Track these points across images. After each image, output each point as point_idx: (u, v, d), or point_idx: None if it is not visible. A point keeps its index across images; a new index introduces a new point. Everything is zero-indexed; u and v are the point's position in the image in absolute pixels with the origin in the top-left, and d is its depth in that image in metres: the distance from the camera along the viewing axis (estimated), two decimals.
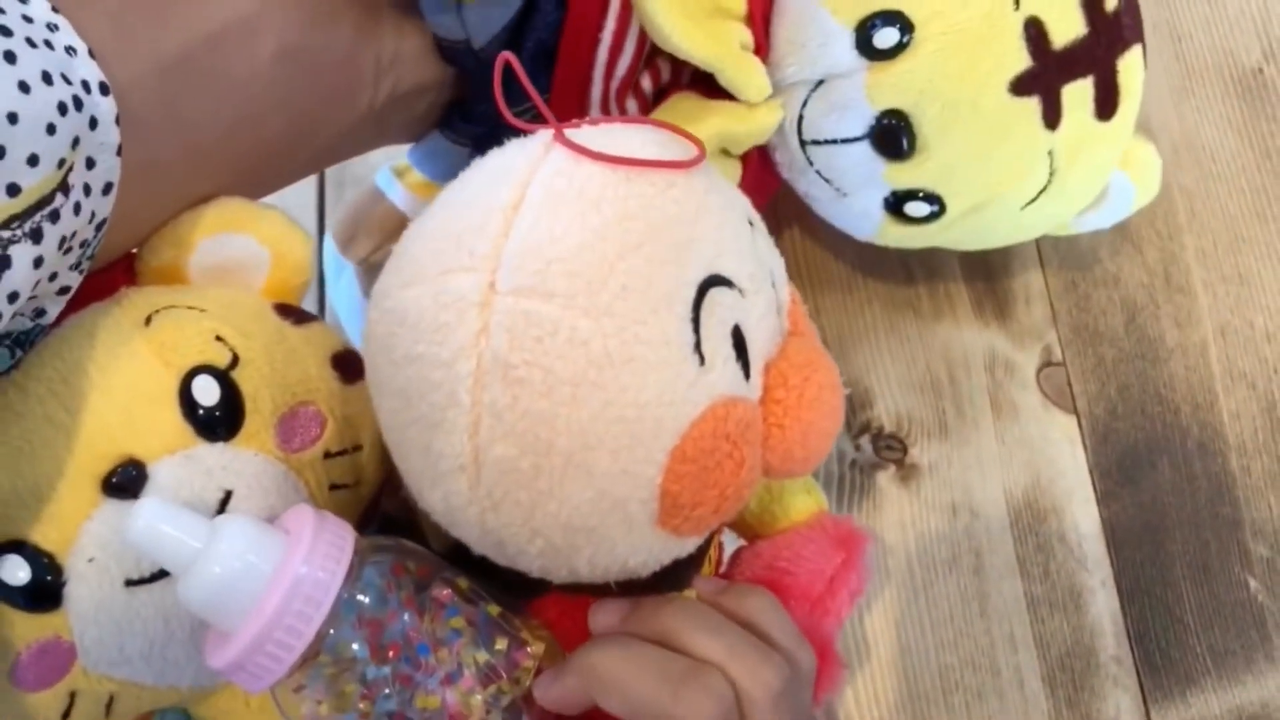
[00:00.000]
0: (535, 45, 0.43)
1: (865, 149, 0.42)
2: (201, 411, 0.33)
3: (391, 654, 0.31)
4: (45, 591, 0.31)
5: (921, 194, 0.42)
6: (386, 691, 0.31)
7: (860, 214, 0.45)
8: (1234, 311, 0.62)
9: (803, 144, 0.44)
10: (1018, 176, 0.42)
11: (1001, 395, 0.61)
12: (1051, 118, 0.43)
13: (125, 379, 0.33)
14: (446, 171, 0.53)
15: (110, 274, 0.37)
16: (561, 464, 0.28)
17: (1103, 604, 0.57)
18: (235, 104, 0.36)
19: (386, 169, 0.55)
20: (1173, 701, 0.55)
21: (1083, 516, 0.58)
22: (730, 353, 0.30)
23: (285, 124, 0.38)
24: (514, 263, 0.28)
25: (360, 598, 0.31)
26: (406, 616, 0.31)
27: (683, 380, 0.29)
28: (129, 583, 0.31)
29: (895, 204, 0.43)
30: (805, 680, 0.34)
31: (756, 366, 0.31)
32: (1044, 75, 0.42)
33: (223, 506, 0.32)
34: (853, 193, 0.45)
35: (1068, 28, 0.42)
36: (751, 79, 0.41)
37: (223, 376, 0.33)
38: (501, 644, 0.32)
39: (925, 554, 0.58)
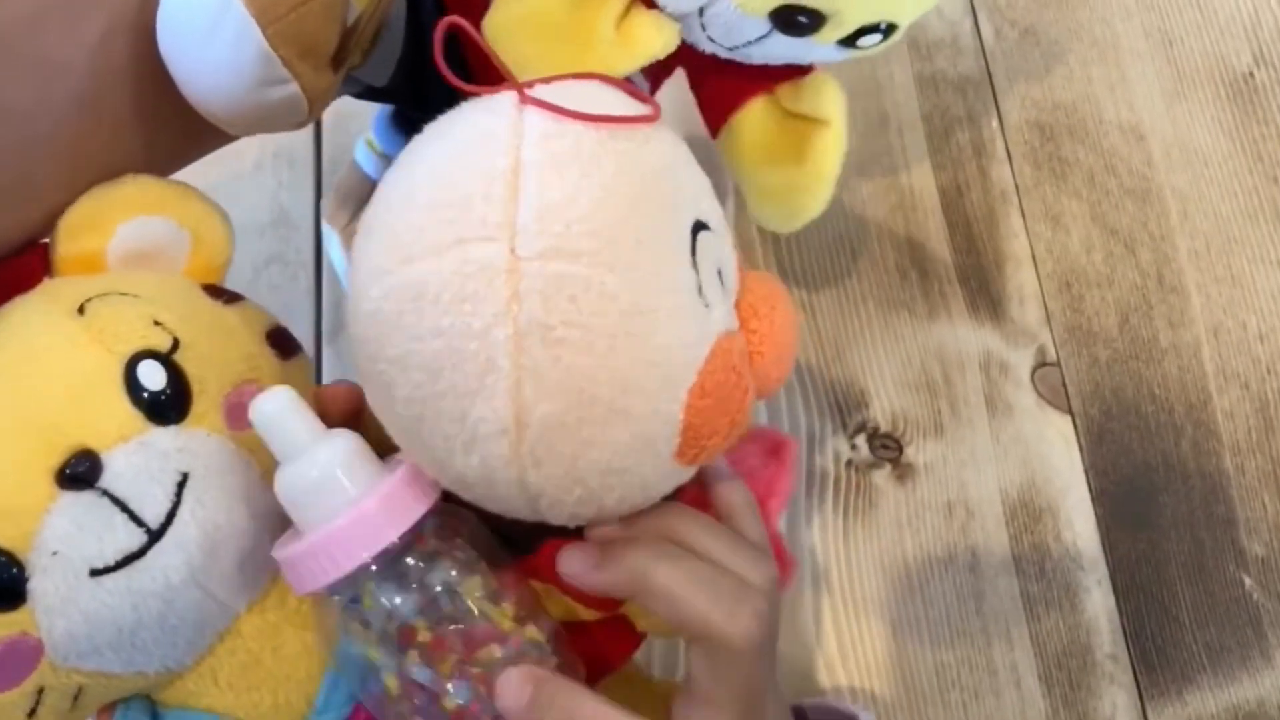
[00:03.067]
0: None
1: (781, 39, 0.42)
2: (149, 396, 0.32)
3: (412, 619, 0.32)
4: (7, 589, 0.30)
5: (863, 30, 0.42)
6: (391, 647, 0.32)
7: (828, 58, 0.45)
8: (1226, 312, 0.63)
9: (732, 49, 0.44)
10: None
11: (997, 395, 0.61)
12: None
13: (67, 369, 0.32)
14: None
15: (26, 266, 0.36)
16: (604, 413, 0.29)
17: (1098, 602, 0.57)
18: (64, 87, 0.35)
19: (362, 140, 0.57)
20: (1169, 699, 0.55)
21: (1078, 515, 0.59)
22: (721, 292, 0.32)
23: (133, 102, 0.37)
24: (533, 227, 0.28)
25: (408, 560, 0.32)
26: (437, 594, 0.32)
27: (695, 322, 0.31)
28: (94, 572, 0.31)
29: (849, 43, 0.43)
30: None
31: (731, 301, 0.33)
32: None
33: (180, 489, 0.32)
34: (805, 55, 0.45)
35: None
36: (645, 47, 0.41)
37: (166, 360, 0.33)
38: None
39: (921, 553, 0.58)
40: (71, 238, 0.36)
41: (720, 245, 0.33)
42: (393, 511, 0.31)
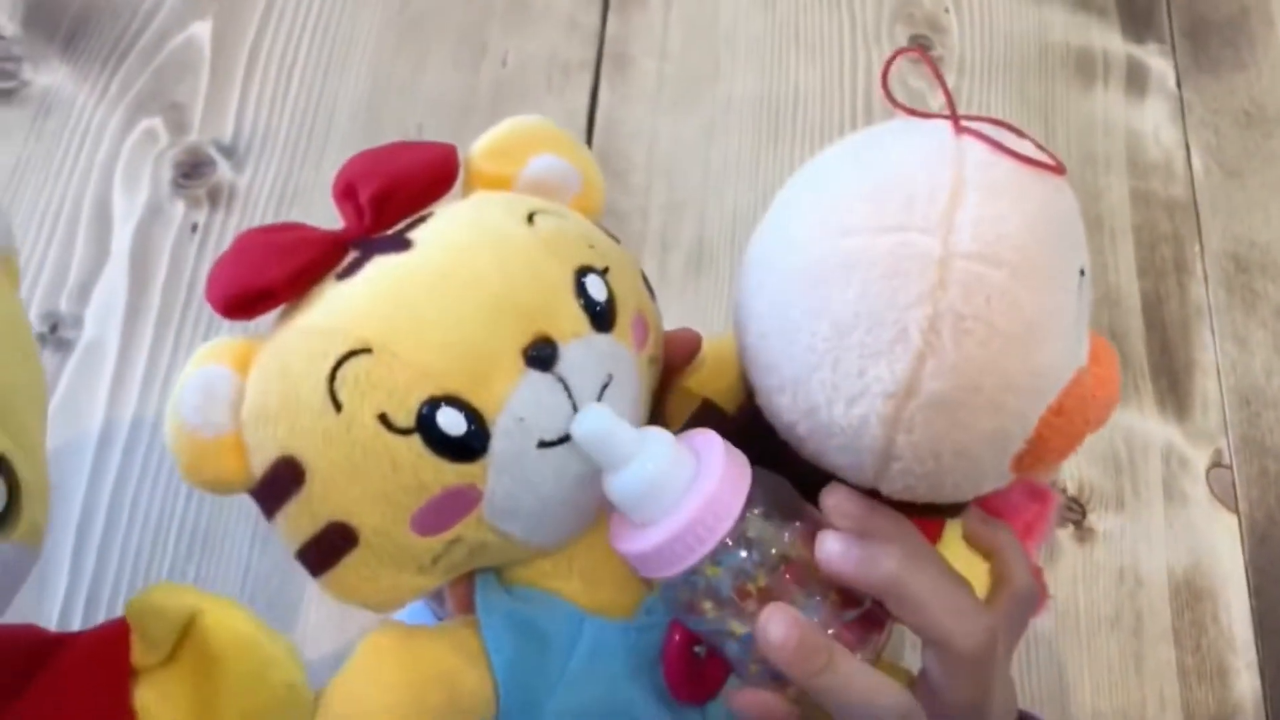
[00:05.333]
0: None
1: None
2: (594, 304, 0.36)
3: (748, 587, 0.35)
4: (472, 445, 0.34)
5: None
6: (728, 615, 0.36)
7: None
8: None
9: None
10: None
11: (1174, 484, 0.67)
12: None
13: (535, 266, 0.36)
14: None
15: (442, 170, 0.38)
16: (982, 402, 0.33)
17: (1246, 684, 0.62)
18: None
19: None
20: None
21: (1236, 604, 0.64)
22: (1085, 331, 0.37)
23: None
24: (968, 232, 0.33)
25: (748, 531, 0.35)
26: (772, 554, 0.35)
27: (1069, 348, 0.35)
28: (541, 444, 0.35)
29: None
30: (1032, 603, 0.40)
31: (1086, 343, 0.37)
32: None
33: (603, 389, 0.36)
34: None
35: None
36: None
37: (603, 277, 0.37)
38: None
39: (1092, 608, 0.63)
40: (489, 159, 0.40)
41: (1087, 292, 0.37)
42: (727, 493, 0.34)
